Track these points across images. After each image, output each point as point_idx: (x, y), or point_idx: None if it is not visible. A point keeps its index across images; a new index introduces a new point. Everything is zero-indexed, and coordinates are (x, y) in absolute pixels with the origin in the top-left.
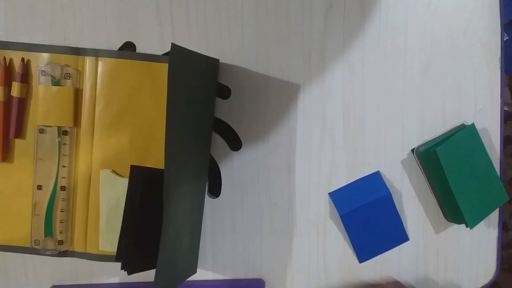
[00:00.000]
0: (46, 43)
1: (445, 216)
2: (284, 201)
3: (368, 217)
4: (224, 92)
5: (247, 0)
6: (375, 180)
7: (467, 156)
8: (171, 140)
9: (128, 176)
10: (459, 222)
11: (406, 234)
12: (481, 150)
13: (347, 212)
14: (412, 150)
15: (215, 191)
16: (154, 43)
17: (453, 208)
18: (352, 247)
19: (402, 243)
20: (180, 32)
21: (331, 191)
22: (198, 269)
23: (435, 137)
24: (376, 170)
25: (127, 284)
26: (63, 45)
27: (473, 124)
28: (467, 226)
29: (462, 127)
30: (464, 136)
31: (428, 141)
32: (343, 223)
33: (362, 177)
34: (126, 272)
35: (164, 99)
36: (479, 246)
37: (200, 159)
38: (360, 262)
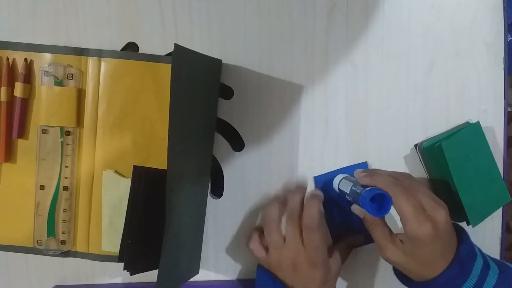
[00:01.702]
0: (49, 44)
1: None
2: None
3: (348, 207)
4: (227, 93)
5: (249, 1)
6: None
7: (471, 153)
8: (174, 141)
9: (131, 177)
10: (460, 220)
11: None
12: (485, 148)
13: (328, 198)
14: (415, 146)
15: (218, 191)
16: (156, 43)
17: (455, 205)
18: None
19: None
20: (182, 33)
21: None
22: (200, 270)
23: (439, 134)
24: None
25: (129, 285)
26: (66, 45)
27: (478, 122)
28: (468, 224)
29: (467, 124)
30: (469, 133)
31: (431, 138)
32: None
33: (349, 165)
34: (128, 272)
35: (167, 100)
36: (482, 248)
37: (202, 159)
38: None
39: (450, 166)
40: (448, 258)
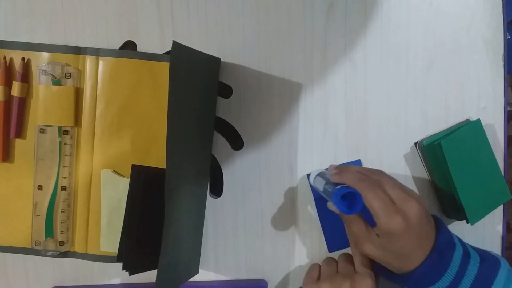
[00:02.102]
0: (47, 43)
1: (445, 213)
2: (286, 201)
3: None
4: (226, 91)
5: None
6: None
7: (471, 151)
8: (173, 140)
9: (129, 176)
10: (459, 218)
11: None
12: (486, 146)
13: (321, 196)
14: (415, 144)
15: (217, 191)
16: (155, 42)
17: (454, 203)
18: (323, 235)
19: None
20: (181, 31)
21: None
22: (200, 270)
23: (439, 131)
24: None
25: (128, 285)
26: (64, 44)
27: (478, 120)
28: (467, 222)
29: (467, 122)
30: (469, 131)
31: (431, 135)
32: (316, 206)
33: (343, 163)
34: (127, 272)
35: (165, 98)
36: (483, 246)
37: (201, 158)
38: (329, 252)
39: (449, 165)
40: (426, 249)
